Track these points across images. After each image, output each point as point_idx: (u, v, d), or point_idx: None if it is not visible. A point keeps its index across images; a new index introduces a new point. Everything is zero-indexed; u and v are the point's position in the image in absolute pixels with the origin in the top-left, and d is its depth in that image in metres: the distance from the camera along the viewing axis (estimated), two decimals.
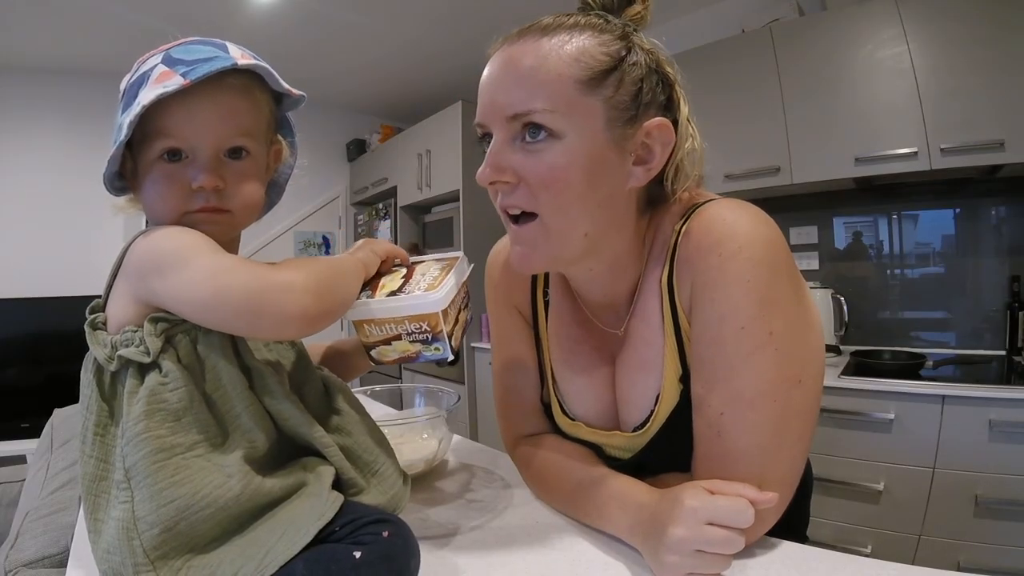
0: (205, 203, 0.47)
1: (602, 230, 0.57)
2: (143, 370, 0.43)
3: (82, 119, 2.94)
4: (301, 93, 0.53)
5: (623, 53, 0.53)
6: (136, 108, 0.43)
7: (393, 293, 0.50)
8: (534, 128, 0.52)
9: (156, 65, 0.46)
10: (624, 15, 0.56)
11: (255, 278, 0.42)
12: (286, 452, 0.48)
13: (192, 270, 0.42)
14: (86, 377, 0.46)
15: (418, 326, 0.50)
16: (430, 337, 0.51)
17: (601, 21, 0.54)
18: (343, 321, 0.52)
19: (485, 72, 0.55)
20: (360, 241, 0.59)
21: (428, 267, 0.57)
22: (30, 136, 2.84)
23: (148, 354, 0.43)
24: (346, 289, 0.50)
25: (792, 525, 0.69)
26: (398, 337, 0.49)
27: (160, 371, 0.43)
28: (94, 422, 0.44)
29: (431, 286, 0.51)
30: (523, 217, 0.56)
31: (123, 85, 0.49)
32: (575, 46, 0.52)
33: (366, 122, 3.84)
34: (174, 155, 0.47)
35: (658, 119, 0.54)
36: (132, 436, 0.41)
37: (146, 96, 0.43)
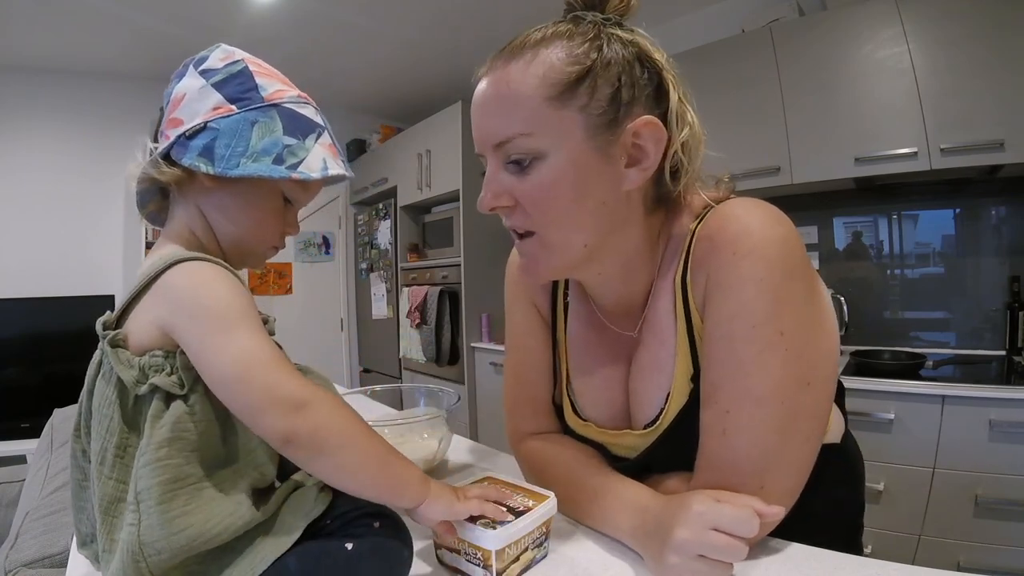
0: (281, 243, 0.58)
1: (602, 237, 0.57)
2: (169, 396, 0.43)
3: (81, 119, 2.94)
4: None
5: (593, 56, 0.51)
6: (323, 173, 0.51)
7: (514, 511, 0.52)
8: (517, 152, 0.53)
9: (322, 130, 0.53)
10: (607, 8, 0.55)
11: (277, 385, 0.42)
12: (290, 468, 0.49)
13: (230, 343, 0.42)
14: (107, 395, 0.44)
15: (542, 531, 0.53)
16: (544, 539, 0.54)
17: (570, 27, 0.53)
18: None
19: (473, 100, 0.57)
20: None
21: (491, 489, 0.57)
22: (29, 136, 2.84)
23: (183, 386, 0.43)
24: (357, 454, 0.44)
25: (847, 511, 0.66)
26: (526, 549, 0.52)
27: (187, 400, 0.43)
28: (115, 444, 0.43)
29: (537, 493, 0.55)
30: (525, 234, 0.58)
31: (271, 94, 0.51)
32: (540, 64, 0.51)
33: (366, 122, 3.84)
34: (286, 201, 0.56)
35: (644, 118, 0.52)
36: (150, 460, 0.41)
37: (331, 166, 0.52)
